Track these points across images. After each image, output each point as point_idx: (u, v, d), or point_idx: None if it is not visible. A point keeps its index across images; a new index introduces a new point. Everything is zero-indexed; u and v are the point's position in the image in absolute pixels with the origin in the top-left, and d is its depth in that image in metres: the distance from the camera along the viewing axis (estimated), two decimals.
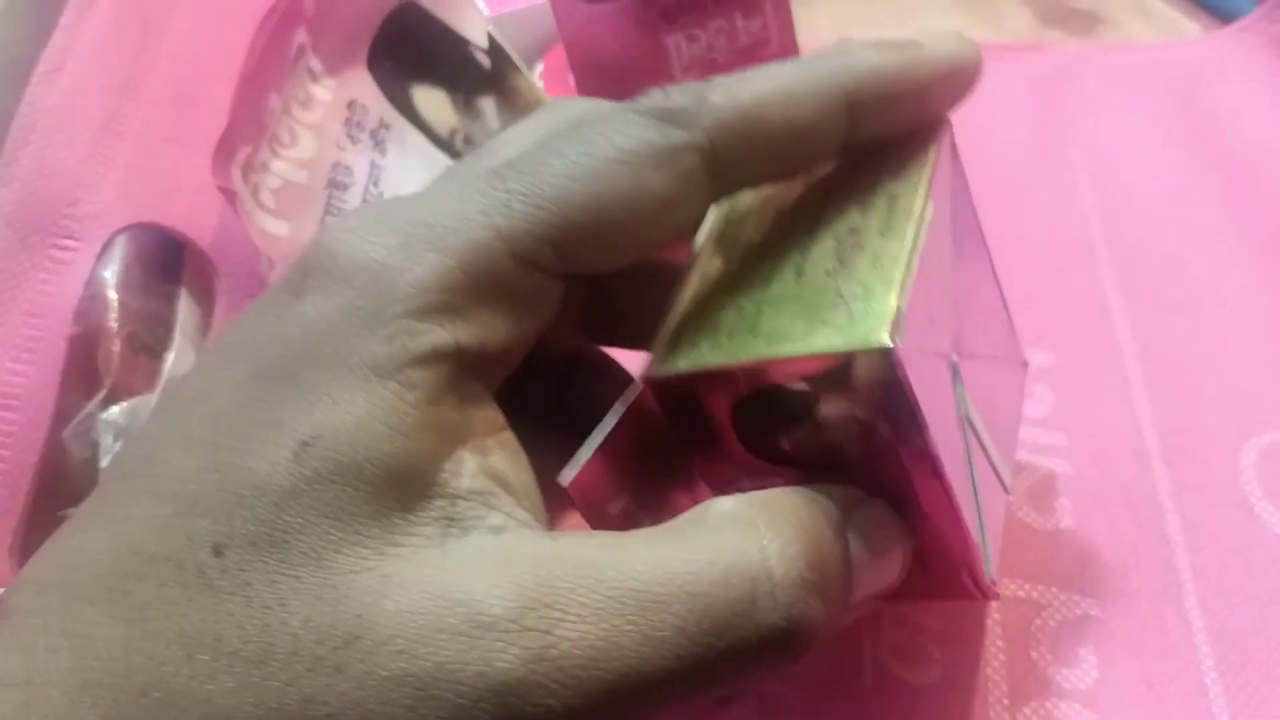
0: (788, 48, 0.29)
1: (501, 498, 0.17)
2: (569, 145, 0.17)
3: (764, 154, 0.18)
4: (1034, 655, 0.22)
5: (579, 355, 0.23)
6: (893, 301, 0.17)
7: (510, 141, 0.19)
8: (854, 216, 0.19)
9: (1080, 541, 0.24)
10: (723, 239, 0.20)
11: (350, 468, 0.15)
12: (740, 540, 0.16)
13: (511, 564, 0.15)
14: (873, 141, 0.19)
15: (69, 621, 0.15)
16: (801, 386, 0.18)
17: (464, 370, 0.17)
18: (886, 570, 0.18)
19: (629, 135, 0.17)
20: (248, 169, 0.26)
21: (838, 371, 0.17)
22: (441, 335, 0.16)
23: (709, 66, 0.28)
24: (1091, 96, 0.37)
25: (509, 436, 0.18)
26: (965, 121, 0.36)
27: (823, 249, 0.19)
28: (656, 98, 0.18)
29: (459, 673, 0.14)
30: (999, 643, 0.22)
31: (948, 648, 0.22)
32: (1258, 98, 0.36)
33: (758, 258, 0.20)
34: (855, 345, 0.17)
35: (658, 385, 0.19)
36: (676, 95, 0.18)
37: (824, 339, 0.17)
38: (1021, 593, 0.23)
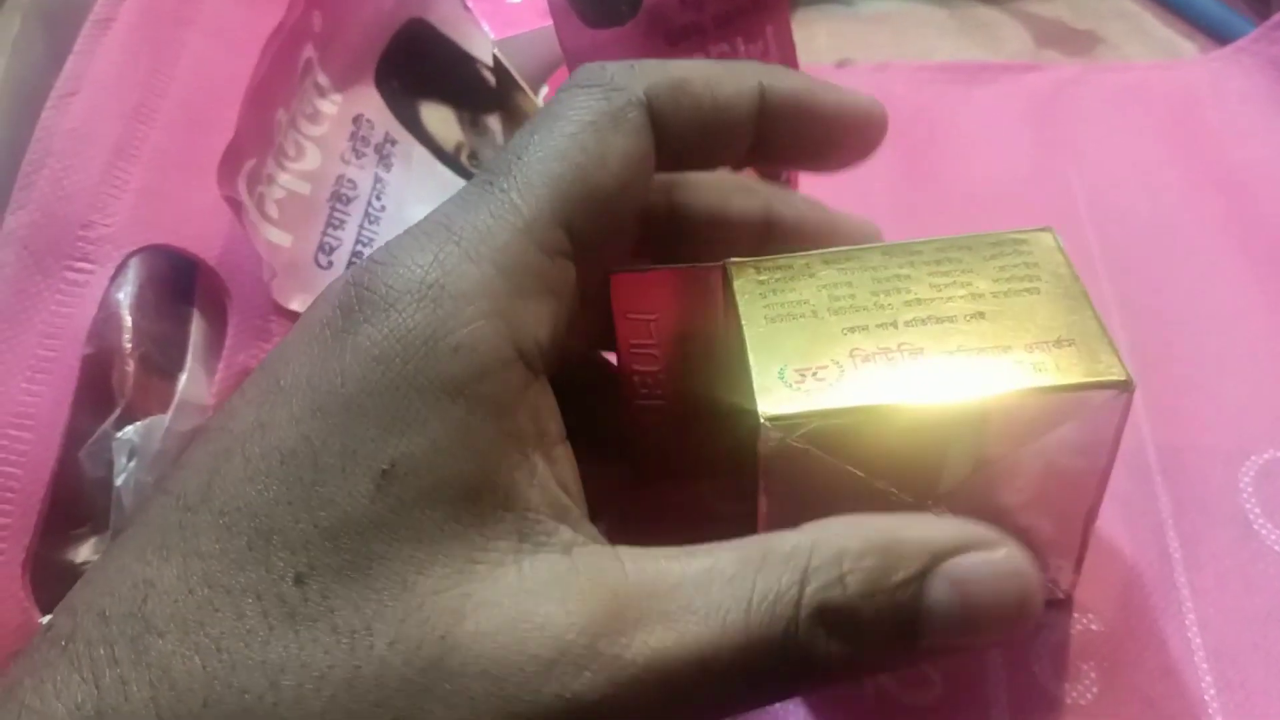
0: None
1: (569, 511, 0.17)
2: (535, 137, 0.19)
3: (692, 117, 0.20)
4: (1035, 669, 0.23)
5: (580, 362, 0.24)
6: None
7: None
8: None
9: None
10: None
11: (431, 492, 0.16)
12: (788, 578, 0.16)
13: (585, 589, 0.16)
14: (780, 153, 0.22)
15: (140, 653, 0.15)
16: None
17: (529, 374, 0.17)
18: (988, 620, 0.17)
19: (582, 108, 0.19)
20: (253, 180, 0.26)
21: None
22: (498, 343, 0.17)
23: None
24: (1089, 117, 0.38)
25: (568, 446, 0.18)
26: (964, 139, 0.37)
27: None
28: (592, 73, 0.20)
29: (539, 694, 0.15)
30: (998, 659, 0.23)
31: (947, 669, 0.23)
32: (1255, 118, 0.36)
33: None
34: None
35: None
36: (610, 68, 0.20)
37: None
38: None
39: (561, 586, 0.16)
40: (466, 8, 0.33)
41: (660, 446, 0.25)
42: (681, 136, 0.20)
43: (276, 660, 0.15)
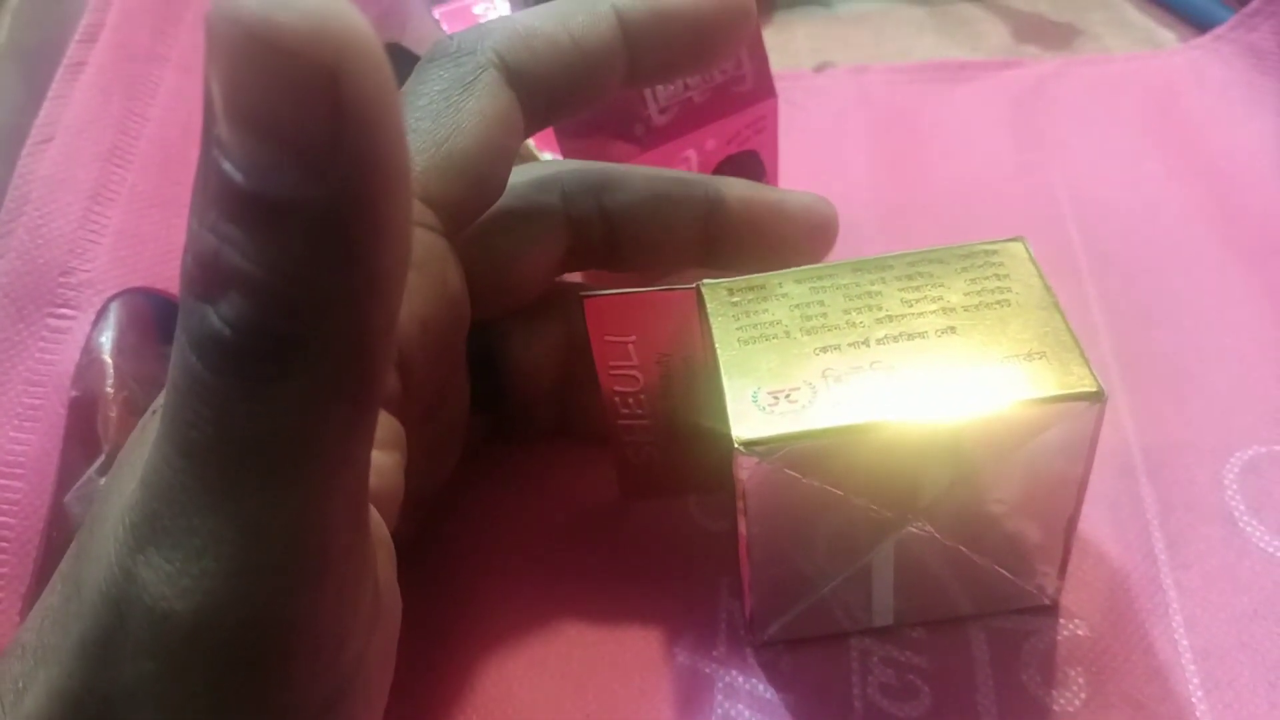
0: (763, 83, 0.30)
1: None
2: None
3: (553, 60, 0.20)
4: (1023, 678, 0.23)
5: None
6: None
7: None
8: None
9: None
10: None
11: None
12: None
13: None
14: (653, 63, 0.22)
15: (29, 681, 0.15)
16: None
17: None
18: None
19: (433, 79, 0.20)
20: None
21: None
22: None
23: (685, 105, 0.29)
24: (1070, 110, 0.38)
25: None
26: (945, 139, 0.37)
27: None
28: (441, 45, 0.21)
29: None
30: (987, 669, 0.23)
31: (936, 681, 0.23)
32: (1235, 106, 0.36)
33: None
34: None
35: None
36: (456, 37, 0.21)
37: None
38: (1009, 623, 0.24)
39: None
40: (444, 33, 0.33)
41: (644, 463, 0.25)
42: (547, 81, 0.21)
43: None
